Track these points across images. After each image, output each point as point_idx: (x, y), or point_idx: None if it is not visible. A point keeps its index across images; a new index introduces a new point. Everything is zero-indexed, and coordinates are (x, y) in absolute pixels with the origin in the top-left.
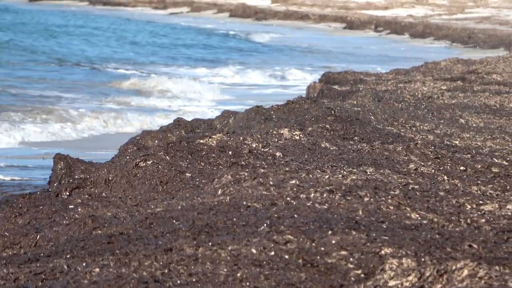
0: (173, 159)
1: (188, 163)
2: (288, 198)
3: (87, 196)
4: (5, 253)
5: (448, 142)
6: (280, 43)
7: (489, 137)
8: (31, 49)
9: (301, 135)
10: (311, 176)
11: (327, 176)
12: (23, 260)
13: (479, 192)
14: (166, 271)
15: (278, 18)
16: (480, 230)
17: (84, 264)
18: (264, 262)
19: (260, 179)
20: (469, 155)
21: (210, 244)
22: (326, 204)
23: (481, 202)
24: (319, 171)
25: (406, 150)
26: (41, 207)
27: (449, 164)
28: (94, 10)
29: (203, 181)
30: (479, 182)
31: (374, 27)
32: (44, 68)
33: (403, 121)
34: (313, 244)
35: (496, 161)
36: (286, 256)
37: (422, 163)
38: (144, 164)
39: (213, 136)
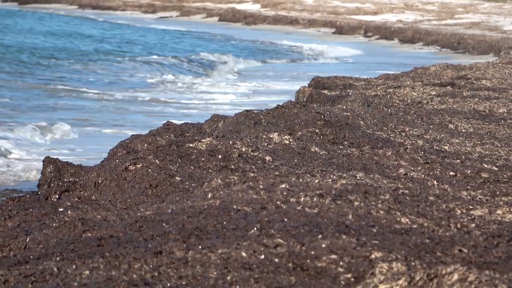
0: (162, 162)
1: (178, 166)
2: (278, 202)
3: (76, 199)
4: None
5: (437, 147)
6: None
7: (479, 142)
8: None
9: (290, 140)
10: (301, 180)
11: (317, 181)
12: (12, 262)
13: (469, 197)
14: (156, 274)
15: (268, 23)
16: (470, 235)
17: (74, 266)
18: (254, 266)
19: (250, 183)
20: (458, 161)
21: (200, 247)
22: (316, 208)
23: (471, 207)
24: (309, 175)
25: (396, 155)
26: (30, 210)
27: (438, 169)
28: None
29: (193, 184)
30: (469, 187)
31: (363, 32)
32: None
33: (393, 126)
34: (303, 248)
35: (486, 166)
36: (276, 260)
37: (412, 168)
38: (133, 167)
39: (203, 140)
